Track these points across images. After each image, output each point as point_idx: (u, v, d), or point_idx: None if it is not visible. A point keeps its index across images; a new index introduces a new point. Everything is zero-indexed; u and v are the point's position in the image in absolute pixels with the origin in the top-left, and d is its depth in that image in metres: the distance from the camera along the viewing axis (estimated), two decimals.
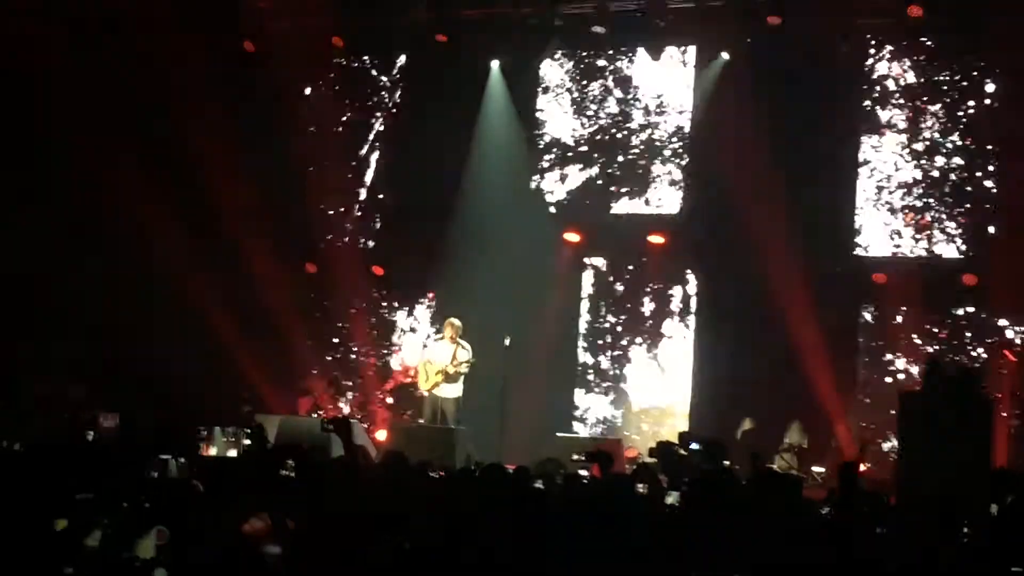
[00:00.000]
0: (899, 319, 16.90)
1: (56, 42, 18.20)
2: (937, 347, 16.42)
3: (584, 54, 18.89)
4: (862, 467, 15.73)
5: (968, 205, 16.60)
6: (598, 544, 5.46)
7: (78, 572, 4.56)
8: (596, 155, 18.76)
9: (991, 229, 16.47)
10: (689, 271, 18.19)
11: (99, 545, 5.38)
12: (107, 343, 17.73)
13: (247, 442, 13.52)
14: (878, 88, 17.15)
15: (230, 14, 19.25)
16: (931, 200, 16.80)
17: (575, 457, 13.13)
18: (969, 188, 16.59)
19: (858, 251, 17.15)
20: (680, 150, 18.30)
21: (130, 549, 5.21)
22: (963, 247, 16.63)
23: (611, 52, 18.72)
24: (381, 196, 19.87)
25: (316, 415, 18.09)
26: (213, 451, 14.30)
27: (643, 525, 6.13)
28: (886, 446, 16.35)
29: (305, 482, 7.27)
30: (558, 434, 16.63)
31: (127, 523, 5.43)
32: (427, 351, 17.12)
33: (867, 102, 17.16)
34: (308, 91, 20.07)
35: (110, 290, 18.33)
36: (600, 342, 18.61)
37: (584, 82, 18.92)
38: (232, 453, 14.12)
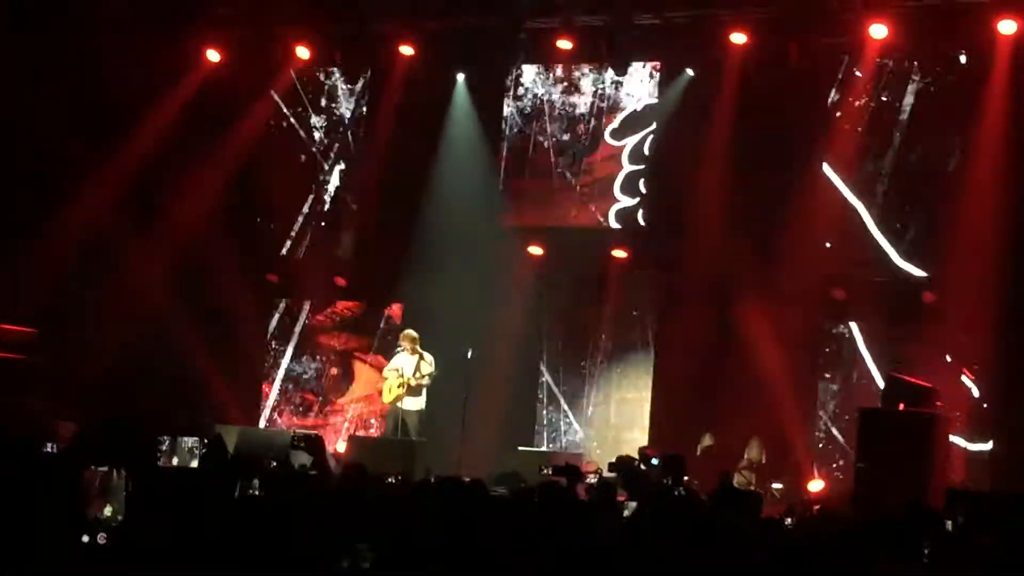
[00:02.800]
0: (860, 336, 16.99)
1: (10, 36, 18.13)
2: (897, 364, 16.49)
3: (549, 68, 18.92)
4: (816, 485, 15.84)
5: (929, 224, 16.71)
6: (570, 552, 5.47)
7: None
8: (560, 168, 18.80)
9: (951, 248, 16.58)
10: (651, 285, 18.23)
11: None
12: (70, 353, 17.61)
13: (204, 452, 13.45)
14: (842, 105, 17.25)
15: (193, 21, 19.17)
16: (894, 218, 16.90)
17: (543, 471, 13.12)
18: (930, 207, 16.71)
19: (821, 268, 17.21)
20: (644, 165, 18.34)
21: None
22: (924, 265, 16.74)
23: (576, 66, 18.76)
24: (344, 207, 19.82)
25: (287, 428, 18.04)
26: (175, 462, 14.24)
27: (616, 536, 6.15)
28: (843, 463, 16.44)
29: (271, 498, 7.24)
30: (519, 448, 16.64)
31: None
32: (392, 364, 17.08)
33: (831, 119, 17.24)
34: (272, 99, 19.99)
35: (75, 301, 18.25)
36: (562, 355, 18.61)
37: (549, 96, 18.95)
38: (195, 464, 14.05)
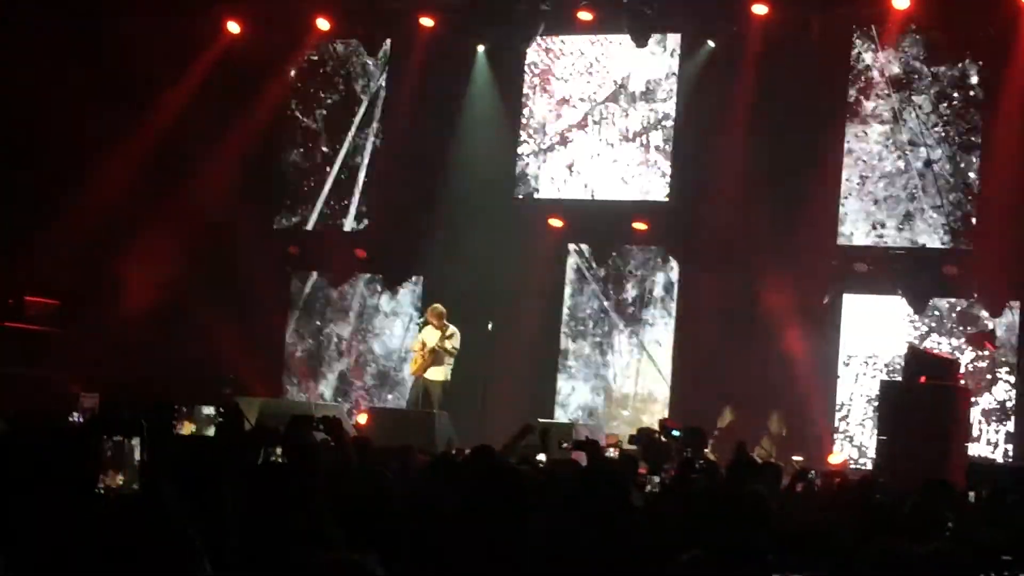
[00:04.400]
0: (879, 309, 16.96)
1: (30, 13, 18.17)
2: (918, 337, 16.47)
3: (571, 40, 18.86)
4: (837, 458, 15.84)
5: (951, 196, 16.66)
6: (589, 530, 5.48)
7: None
8: (581, 141, 18.76)
9: (973, 220, 16.53)
10: (672, 258, 18.23)
11: None
12: (93, 324, 17.71)
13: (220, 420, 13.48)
14: (863, 78, 17.18)
15: None
16: (914, 190, 16.85)
17: (563, 445, 13.13)
18: (952, 179, 16.65)
19: (841, 240, 17.19)
20: (665, 137, 18.30)
21: None
22: (945, 238, 16.69)
23: (597, 38, 18.70)
24: (365, 179, 19.83)
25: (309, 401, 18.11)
26: (192, 429, 14.26)
27: (633, 511, 6.16)
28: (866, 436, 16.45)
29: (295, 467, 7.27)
30: (539, 420, 16.66)
31: None
32: (419, 337, 17.08)
33: (852, 92, 17.19)
34: (292, 72, 20.00)
35: (98, 273, 18.33)
36: (582, 328, 18.64)
37: (570, 68, 18.90)
38: (211, 432, 14.07)
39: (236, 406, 13.02)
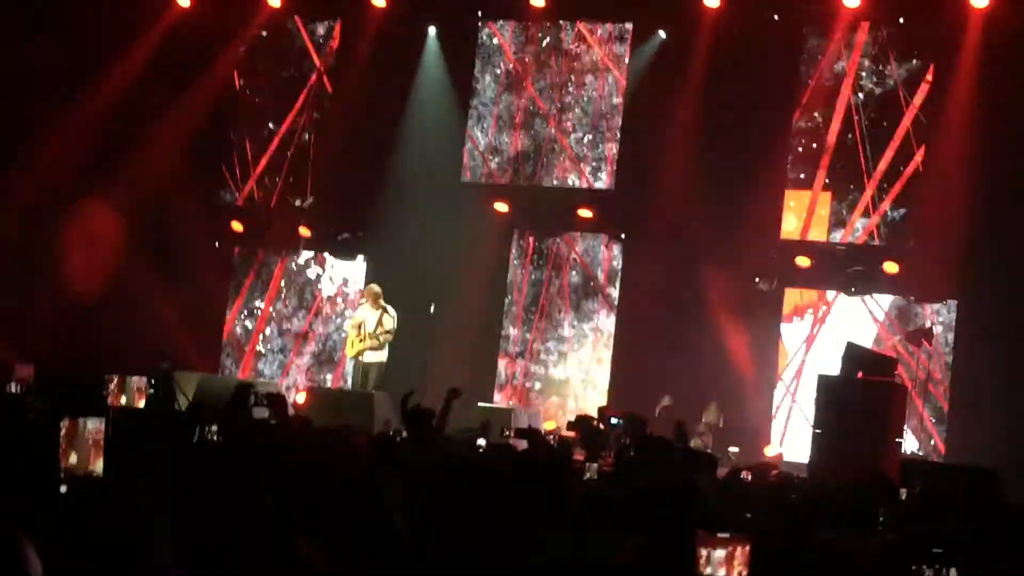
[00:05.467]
0: (821, 304, 17.12)
1: None
2: (856, 333, 16.64)
3: (522, 24, 18.84)
4: (773, 450, 15.98)
5: (893, 192, 16.82)
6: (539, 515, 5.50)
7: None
8: (529, 126, 18.76)
9: (914, 217, 16.69)
10: (616, 246, 18.29)
11: None
12: (29, 294, 17.53)
13: (151, 392, 13.35)
14: (811, 73, 17.29)
15: None
16: (857, 186, 16.98)
17: (505, 433, 13.15)
18: (894, 176, 16.80)
19: (784, 234, 17.32)
20: (612, 125, 18.34)
21: None
22: (886, 234, 16.86)
23: (548, 24, 18.69)
24: (311, 158, 19.73)
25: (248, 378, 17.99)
26: (123, 400, 14.10)
27: (577, 497, 6.20)
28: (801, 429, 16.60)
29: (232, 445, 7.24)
30: (479, 404, 16.68)
31: None
32: (356, 317, 17.04)
33: (800, 87, 17.29)
34: (242, 49, 19.85)
35: (35, 243, 18.15)
36: (524, 313, 18.66)
37: (521, 53, 18.89)
38: (142, 404, 13.92)
39: (167, 377, 12.90)
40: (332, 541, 4.77)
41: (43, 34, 17.95)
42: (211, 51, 19.29)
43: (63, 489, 5.53)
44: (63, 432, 5.64)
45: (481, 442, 11.16)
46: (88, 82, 18.50)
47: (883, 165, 16.82)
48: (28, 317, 17.12)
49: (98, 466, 5.96)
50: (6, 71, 17.23)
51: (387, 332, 16.40)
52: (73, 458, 5.83)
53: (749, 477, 9.09)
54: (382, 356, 16.57)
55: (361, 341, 16.53)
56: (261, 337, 19.77)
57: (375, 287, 16.71)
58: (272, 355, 19.69)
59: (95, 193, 18.25)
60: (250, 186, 19.91)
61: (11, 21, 17.79)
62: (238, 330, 19.88)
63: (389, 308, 16.51)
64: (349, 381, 17.57)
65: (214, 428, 8.93)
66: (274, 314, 19.76)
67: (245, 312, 19.87)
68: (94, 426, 6.00)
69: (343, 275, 19.52)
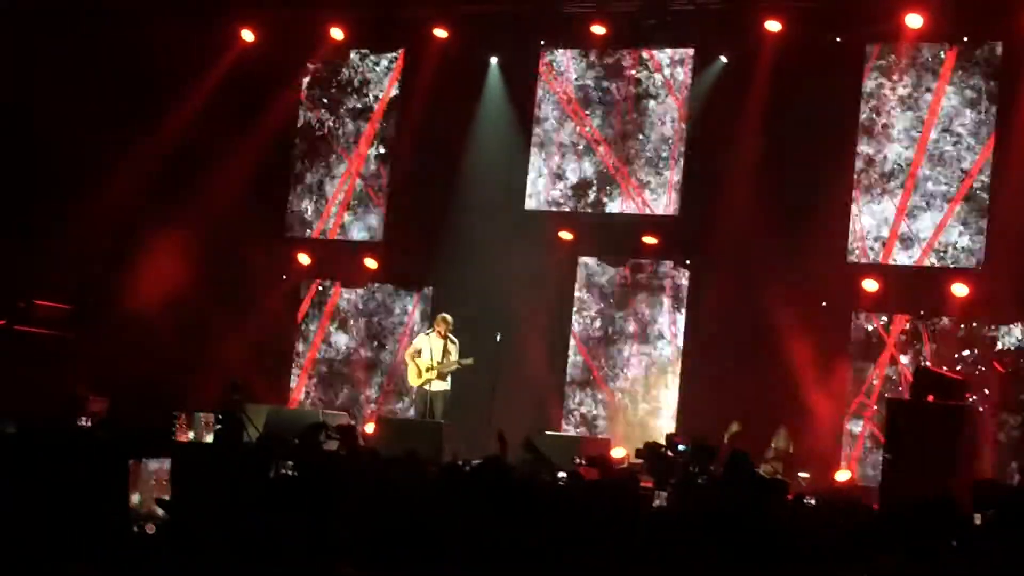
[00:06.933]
0: (889, 327, 16.96)
1: (47, 21, 18.29)
2: (926, 356, 16.47)
3: (583, 53, 18.90)
4: (843, 476, 15.83)
5: (961, 214, 16.65)
6: (596, 543, 5.49)
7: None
8: (592, 154, 18.79)
9: (983, 239, 16.52)
10: (682, 273, 18.23)
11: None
12: (101, 328, 17.78)
13: (218, 427, 13.48)
14: (875, 96, 17.19)
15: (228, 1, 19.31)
16: (924, 208, 16.85)
17: (577, 461, 13.13)
18: (964, 197, 16.64)
19: (851, 257, 17.19)
20: (677, 152, 18.32)
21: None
22: (955, 256, 16.69)
23: (610, 51, 18.73)
24: (376, 189, 19.87)
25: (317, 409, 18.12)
26: (190, 436, 14.24)
27: (640, 526, 6.17)
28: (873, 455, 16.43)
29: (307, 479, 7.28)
30: (547, 432, 16.67)
31: None
32: (416, 345, 17.13)
33: (863, 109, 17.20)
34: (306, 81, 20.07)
35: (108, 279, 18.42)
36: (591, 341, 18.64)
37: (582, 81, 18.93)
38: (210, 439, 14.06)
39: (231, 412, 13.01)
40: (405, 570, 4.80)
41: (111, 68, 18.26)
42: (276, 84, 19.52)
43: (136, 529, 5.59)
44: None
45: (562, 474, 11.09)
46: (155, 118, 18.77)
47: (948, 187, 16.68)
48: (103, 351, 17.34)
49: (159, 510, 6.00)
50: (74, 105, 17.51)
51: (454, 363, 16.53)
52: (135, 498, 5.88)
53: (814, 501, 9.03)
54: (446, 385, 16.70)
55: (429, 371, 16.62)
56: (330, 368, 19.86)
57: (447, 316, 16.83)
58: (340, 385, 19.79)
59: (165, 228, 18.49)
60: (320, 221, 20.06)
61: (79, 55, 18.11)
62: (307, 360, 19.99)
63: (452, 337, 16.64)
64: (412, 411, 17.64)
65: (288, 463, 8.99)
66: (343, 345, 19.86)
67: (316, 343, 19.98)
68: (157, 466, 6.07)
69: (409, 305, 19.60)
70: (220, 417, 13.37)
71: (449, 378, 16.72)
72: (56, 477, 5.33)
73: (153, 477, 6.04)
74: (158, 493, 6.06)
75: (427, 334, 17.14)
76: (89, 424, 13.39)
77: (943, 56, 16.84)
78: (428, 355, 16.76)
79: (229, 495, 5.22)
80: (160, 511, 5.74)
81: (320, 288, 20.09)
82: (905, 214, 16.91)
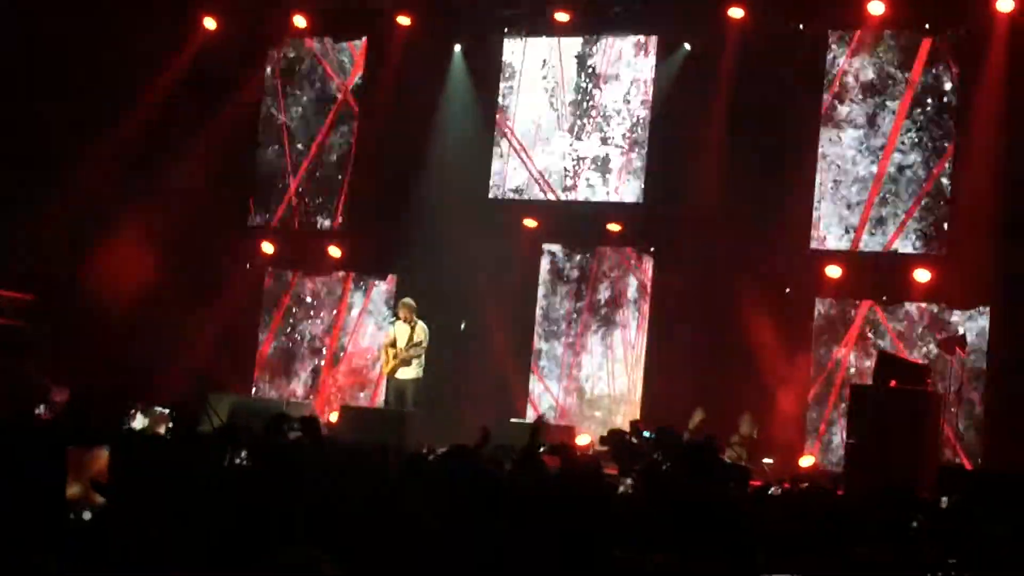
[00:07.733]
0: (852, 313, 17.03)
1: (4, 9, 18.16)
2: (889, 342, 16.55)
3: (547, 40, 18.87)
4: (807, 461, 15.90)
5: (924, 201, 16.74)
6: (561, 529, 5.48)
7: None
8: (556, 141, 18.77)
9: (945, 226, 16.60)
10: (646, 259, 18.26)
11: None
12: (64, 318, 17.68)
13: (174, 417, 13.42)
14: (838, 83, 17.25)
15: None
16: (887, 195, 16.92)
17: (541, 449, 13.12)
18: (925, 184, 16.73)
19: (814, 244, 17.25)
20: (640, 139, 18.33)
21: None
22: (917, 243, 16.77)
23: (574, 39, 18.71)
24: (339, 177, 19.80)
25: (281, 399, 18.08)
26: (141, 426, 14.17)
27: (609, 512, 6.18)
28: (836, 439, 16.51)
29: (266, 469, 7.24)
30: (511, 420, 16.67)
31: None
32: (391, 335, 17.08)
33: (826, 96, 17.25)
34: (268, 70, 19.97)
35: (72, 268, 18.30)
36: (555, 329, 18.64)
37: (546, 68, 18.90)
38: (162, 431, 14.00)
39: (185, 404, 12.95)
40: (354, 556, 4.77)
41: (71, 58, 18.12)
42: (238, 72, 19.42)
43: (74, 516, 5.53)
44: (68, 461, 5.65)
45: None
46: (117, 107, 18.64)
47: (913, 172, 16.75)
48: (64, 341, 17.25)
49: (98, 496, 5.96)
50: (34, 95, 17.39)
51: (416, 345, 16.43)
52: (75, 488, 5.83)
53: (779, 492, 9.05)
54: (417, 373, 16.59)
55: (395, 358, 16.57)
56: (293, 356, 19.80)
57: (410, 301, 16.77)
58: (305, 374, 19.73)
59: (126, 217, 18.37)
60: (280, 207, 19.98)
61: (39, 44, 17.97)
62: (270, 350, 19.93)
63: (419, 323, 16.56)
64: (382, 399, 17.60)
65: (243, 453, 8.93)
66: (307, 334, 19.79)
67: (277, 332, 19.92)
68: (98, 454, 6.00)
69: (373, 293, 19.54)
70: (174, 410, 13.29)
71: (417, 365, 16.61)
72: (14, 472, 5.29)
73: (95, 465, 5.99)
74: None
75: (392, 323, 17.09)
76: (47, 414, 13.31)
77: (907, 43, 16.90)
78: (396, 342, 16.72)
79: (174, 484, 5.18)
80: (99, 497, 5.70)
81: (283, 276, 20.00)
82: (869, 201, 16.97)
